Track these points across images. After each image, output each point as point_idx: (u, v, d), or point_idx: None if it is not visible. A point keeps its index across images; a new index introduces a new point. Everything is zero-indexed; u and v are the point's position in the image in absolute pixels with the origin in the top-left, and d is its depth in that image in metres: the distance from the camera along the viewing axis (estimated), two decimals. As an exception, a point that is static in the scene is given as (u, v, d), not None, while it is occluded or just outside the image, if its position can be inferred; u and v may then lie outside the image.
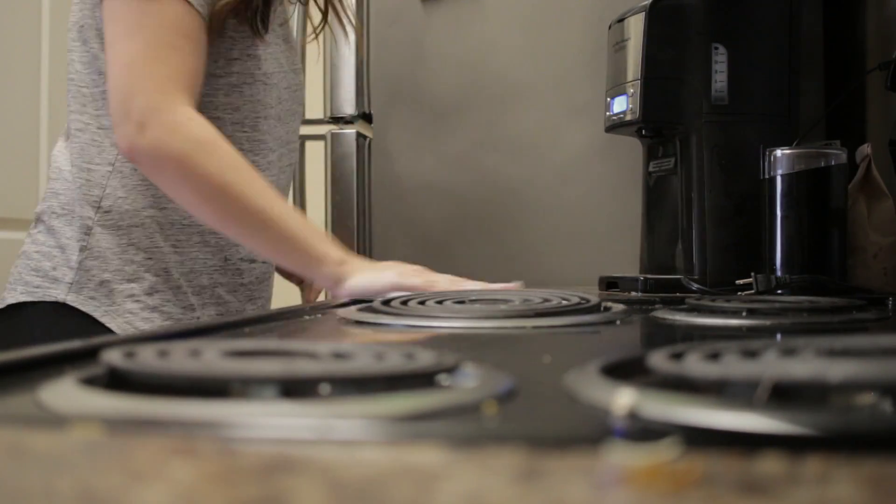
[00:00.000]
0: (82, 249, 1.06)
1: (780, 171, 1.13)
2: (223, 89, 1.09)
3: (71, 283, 1.05)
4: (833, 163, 1.12)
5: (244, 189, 0.99)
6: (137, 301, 1.06)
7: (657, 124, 1.31)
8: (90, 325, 1.04)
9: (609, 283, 1.34)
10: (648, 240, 1.37)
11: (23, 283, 1.07)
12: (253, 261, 1.15)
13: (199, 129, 0.99)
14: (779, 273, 1.12)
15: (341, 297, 1.03)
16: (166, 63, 0.99)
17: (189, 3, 1.01)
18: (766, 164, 1.14)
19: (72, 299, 1.05)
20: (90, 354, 0.51)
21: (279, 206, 1.02)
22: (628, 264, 1.46)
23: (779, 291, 1.08)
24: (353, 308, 0.91)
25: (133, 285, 1.06)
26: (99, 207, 1.06)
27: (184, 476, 0.28)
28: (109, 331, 1.04)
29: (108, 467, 0.29)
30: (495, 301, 0.91)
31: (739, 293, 1.10)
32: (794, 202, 1.13)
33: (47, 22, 2.38)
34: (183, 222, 1.08)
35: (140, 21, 1.00)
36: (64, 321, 1.04)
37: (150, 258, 1.07)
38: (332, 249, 1.04)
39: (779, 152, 1.13)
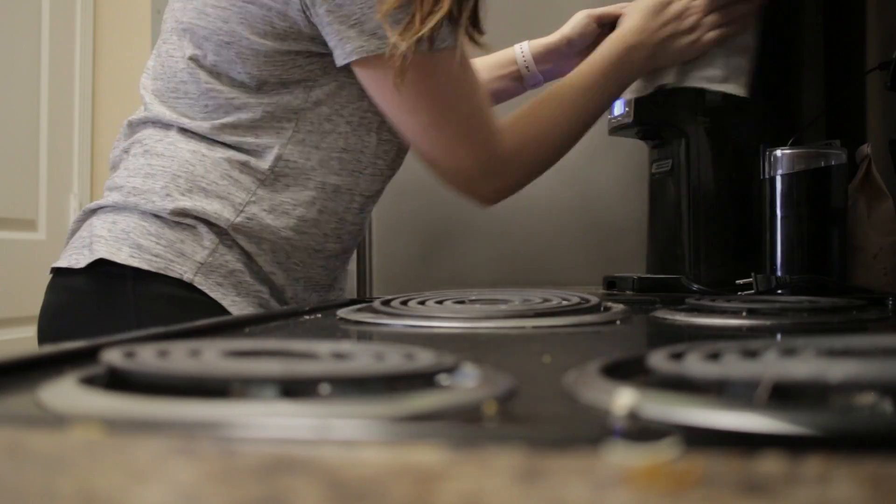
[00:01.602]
0: (219, 234, 0.99)
1: (779, 171, 1.13)
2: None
3: (201, 264, 0.98)
4: (833, 163, 1.12)
5: (559, 127, 1.12)
6: (260, 298, 1.02)
7: (652, 126, 1.31)
8: (217, 311, 0.98)
9: (611, 283, 1.35)
10: (652, 240, 1.37)
11: (133, 244, 0.98)
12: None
13: (512, 145, 1.07)
14: (779, 273, 1.12)
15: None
16: (474, 117, 1.03)
17: (455, 46, 0.98)
18: (766, 164, 1.14)
19: (199, 281, 0.98)
20: (90, 354, 0.51)
21: (581, 99, 1.13)
22: (635, 264, 1.46)
23: (779, 291, 1.08)
24: (352, 308, 0.91)
25: (262, 286, 1.02)
26: (241, 212, 1.00)
27: (184, 476, 0.28)
28: None
29: (108, 467, 0.29)
30: (495, 301, 0.91)
31: (739, 293, 1.10)
32: (794, 202, 1.13)
33: (47, 22, 2.38)
34: (315, 248, 1.05)
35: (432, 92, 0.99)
36: (191, 302, 0.98)
37: (274, 273, 1.03)
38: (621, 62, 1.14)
39: (779, 152, 1.13)
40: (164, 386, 0.40)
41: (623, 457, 0.29)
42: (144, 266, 0.97)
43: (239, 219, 0.99)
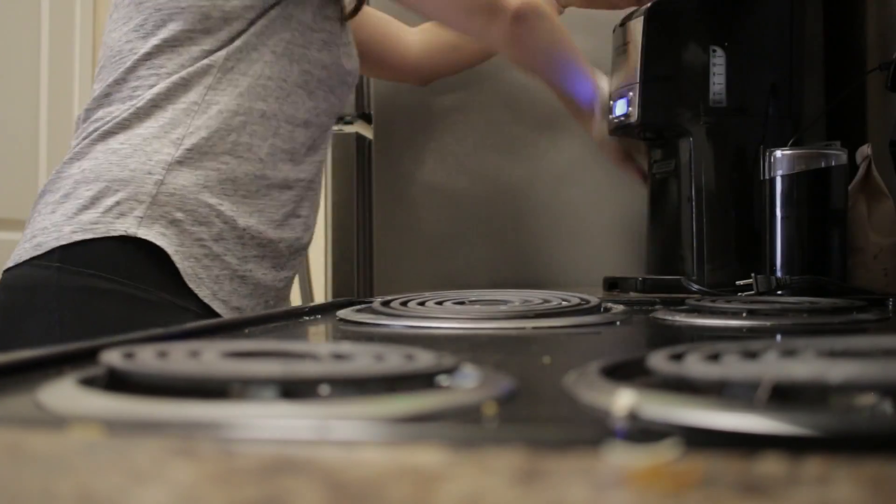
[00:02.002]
0: (157, 183, 1.03)
1: (780, 172, 1.13)
2: (316, 44, 1.14)
3: (142, 217, 1.02)
4: (833, 163, 1.12)
5: None
6: (203, 246, 1.06)
7: (656, 127, 1.31)
8: (160, 261, 1.02)
9: (611, 284, 1.34)
10: (652, 241, 1.37)
11: (74, 222, 1.03)
12: (307, 229, 1.20)
13: None
14: (779, 274, 1.12)
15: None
16: None
17: None
18: (766, 164, 1.14)
19: (143, 233, 1.01)
20: (89, 355, 0.51)
21: None
22: (633, 265, 1.46)
23: (779, 292, 1.08)
24: (352, 309, 0.91)
25: (202, 228, 1.06)
26: (180, 145, 1.05)
27: (184, 477, 0.28)
28: (176, 272, 1.03)
29: (107, 469, 0.29)
30: (495, 302, 0.91)
31: (739, 294, 1.10)
32: (794, 203, 1.13)
33: (47, 22, 2.38)
34: (256, 174, 1.10)
35: None
36: (135, 254, 1.02)
37: (221, 203, 1.07)
38: None
39: (779, 153, 1.13)
40: (163, 387, 0.40)
41: (623, 458, 0.29)
42: (89, 236, 1.01)
43: (179, 152, 1.04)
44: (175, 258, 1.03)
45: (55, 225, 1.04)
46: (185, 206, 1.04)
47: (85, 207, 1.03)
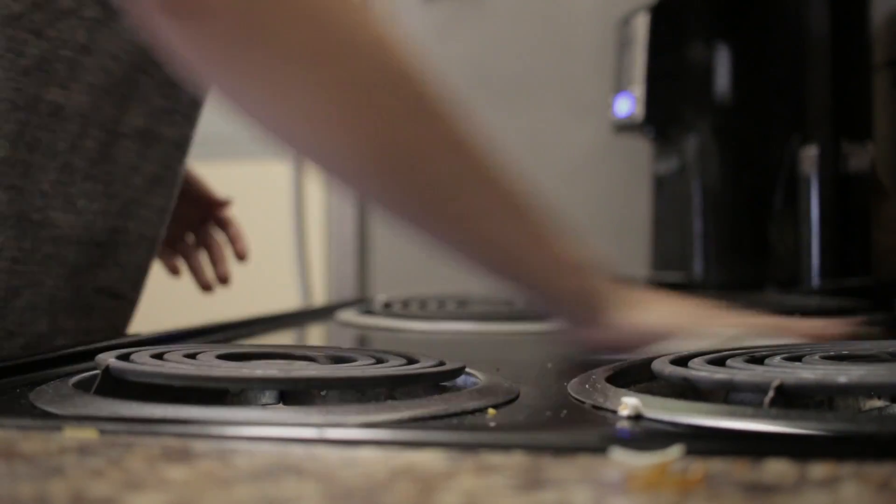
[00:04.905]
0: None
1: (808, 171, 1.11)
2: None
3: None
4: (862, 163, 1.11)
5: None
6: None
7: (662, 124, 1.30)
8: None
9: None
10: (657, 240, 1.37)
11: None
12: None
13: None
14: (815, 275, 1.10)
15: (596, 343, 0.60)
16: None
17: None
18: (792, 163, 1.13)
19: None
20: (85, 357, 0.51)
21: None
22: (637, 264, 1.46)
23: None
24: (352, 310, 0.91)
25: None
26: None
27: (180, 481, 0.28)
28: None
29: (102, 472, 0.29)
30: (498, 303, 0.90)
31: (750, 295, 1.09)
32: (821, 203, 1.12)
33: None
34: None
35: None
36: None
37: None
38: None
39: (806, 152, 1.12)
40: (160, 389, 0.40)
41: (627, 462, 0.28)
42: None
43: None
44: None
45: None
46: None
47: None
